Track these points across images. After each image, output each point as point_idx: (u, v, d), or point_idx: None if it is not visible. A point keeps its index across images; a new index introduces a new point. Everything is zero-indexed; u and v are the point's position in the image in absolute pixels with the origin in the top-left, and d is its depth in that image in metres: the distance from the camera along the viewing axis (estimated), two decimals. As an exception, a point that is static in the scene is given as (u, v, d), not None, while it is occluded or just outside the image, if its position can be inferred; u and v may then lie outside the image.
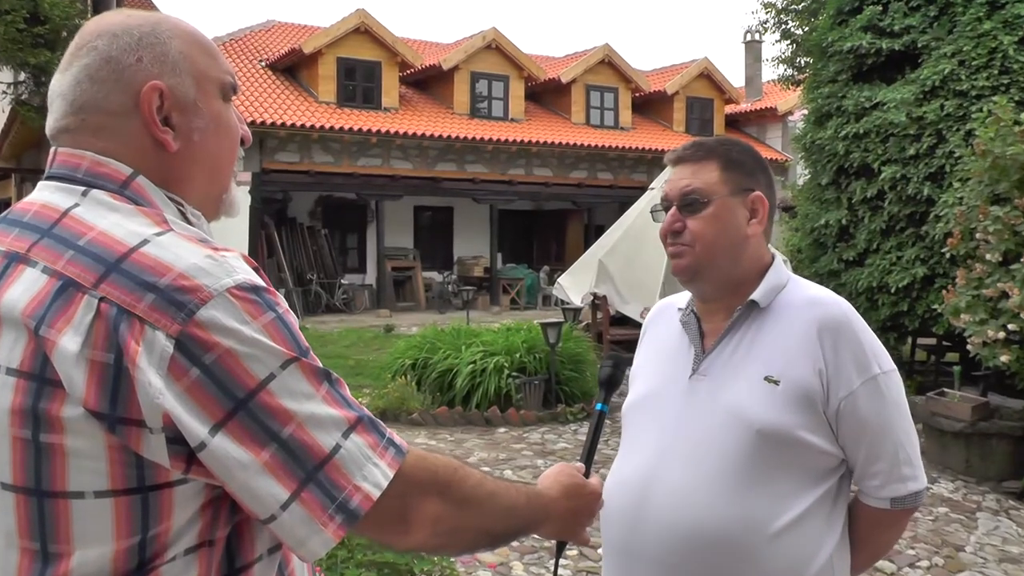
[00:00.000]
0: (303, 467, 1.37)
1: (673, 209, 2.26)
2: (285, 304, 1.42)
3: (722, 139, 2.34)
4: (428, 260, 29.55)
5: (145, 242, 1.38)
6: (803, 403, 2.14)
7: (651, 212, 2.38)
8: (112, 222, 1.41)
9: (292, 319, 1.42)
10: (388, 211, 27.05)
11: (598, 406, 2.12)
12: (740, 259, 2.26)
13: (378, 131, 25.10)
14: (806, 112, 13.50)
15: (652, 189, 15.00)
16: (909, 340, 12.78)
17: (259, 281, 1.41)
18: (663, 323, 2.49)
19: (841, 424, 2.16)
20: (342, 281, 26.43)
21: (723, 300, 2.29)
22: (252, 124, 22.88)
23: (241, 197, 24.67)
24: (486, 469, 9.00)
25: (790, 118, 32.48)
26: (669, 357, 2.37)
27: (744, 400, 2.16)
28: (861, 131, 11.83)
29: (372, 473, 1.42)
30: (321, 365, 1.42)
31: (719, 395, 2.21)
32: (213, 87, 1.57)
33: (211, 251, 1.39)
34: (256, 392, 1.35)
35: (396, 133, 25.34)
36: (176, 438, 1.33)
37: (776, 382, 2.15)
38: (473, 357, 11.51)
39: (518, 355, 11.56)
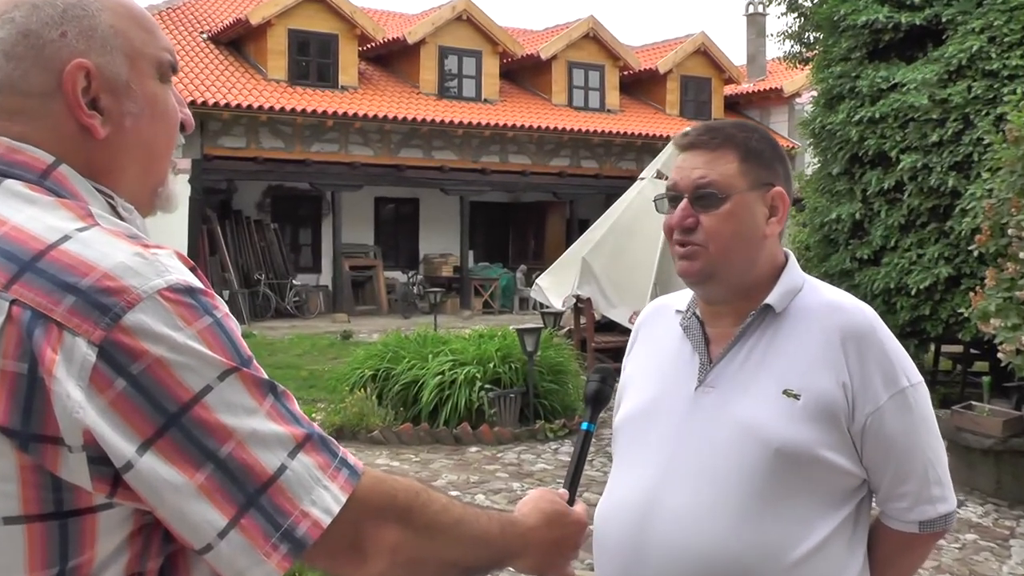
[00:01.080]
0: (243, 490, 1.35)
1: (685, 202, 2.25)
2: (225, 308, 1.41)
3: (739, 124, 2.34)
4: (391, 258, 29.51)
5: (66, 238, 1.36)
6: (826, 419, 2.15)
7: (655, 201, 2.38)
8: (28, 216, 1.39)
9: (232, 324, 1.41)
10: (346, 203, 27.01)
11: (584, 425, 2.11)
12: (756, 261, 2.26)
13: (334, 113, 25.06)
14: (815, 94, 13.55)
15: (642, 179, 15.04)
16: (932, 348, 12.84)
17: (195, 282, 1.39)
18: (659, 326, 2.48)
19: (866, 442, 2.17)
20: (294, 282, 26.38)
21: (732, 303, 2.30)
22: (192, 105, 22.77)
23: (180, 189, 24.83)
24: (455, 493, 8.98)
25: (797, 100, 32.65)
26: (668, 366, 2.37)
27: (760, 415, 2.16)
28: (877, 115, 11.87)
29: (322, 497, 1.41)
30: (265, 376, 1.41)
31: (730, 409, 2.21)
32: (148, 66, 1.55)
33: (141, 248, 1.37)
34: (190, 406, 1.33)
35: (355, 115, 25.29)
36: (99, 457, 1.31)
37: (796, 396, 2.16)
38: (441, 367, 11.48)
39: (491, 365, 11.54)
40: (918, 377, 2.23)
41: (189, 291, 1.37)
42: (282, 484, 1.38)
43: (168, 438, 1.32)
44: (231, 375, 1.37)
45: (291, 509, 1.38)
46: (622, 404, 2.47)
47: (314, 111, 24.82)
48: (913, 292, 11.34)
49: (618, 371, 2.48)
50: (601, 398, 2.18)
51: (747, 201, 2.23)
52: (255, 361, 1.41)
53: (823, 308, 2.23)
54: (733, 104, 34.70)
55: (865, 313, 2.22)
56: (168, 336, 1.32)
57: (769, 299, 2.25)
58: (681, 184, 2.26)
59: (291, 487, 1.39)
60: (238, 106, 23.79)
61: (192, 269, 1.42)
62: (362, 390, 11.52)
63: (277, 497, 1.37)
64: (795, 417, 2.14)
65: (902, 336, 11.55)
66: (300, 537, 1.38)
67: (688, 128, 2.36)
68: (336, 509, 1.41)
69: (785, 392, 2.16)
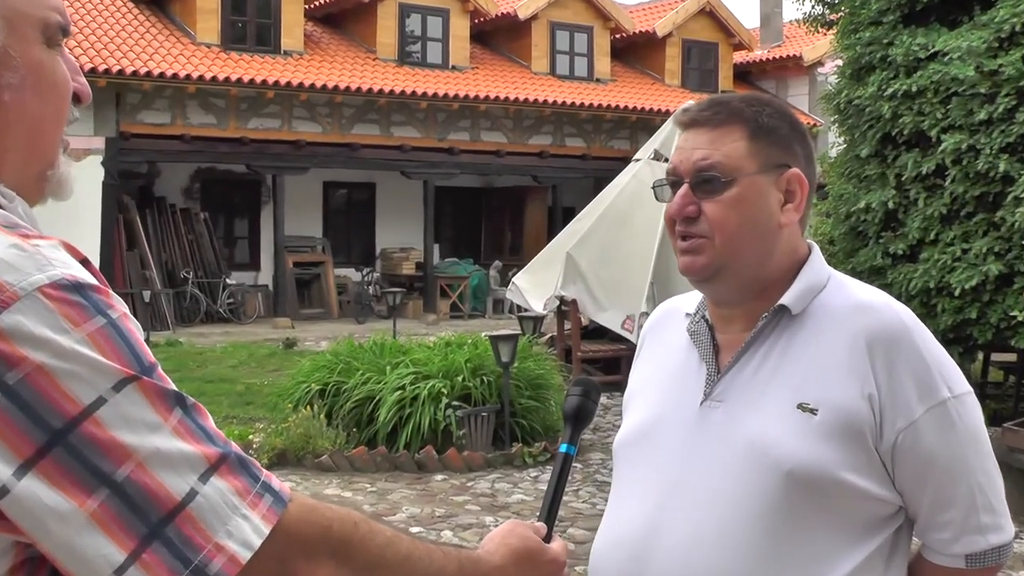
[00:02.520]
0: (145, 519, 1.35)
1: (685, 188, 2.26)
2: (123, 307, 1.41)
3: (749, 97, 2.35)
4: (342, 253, 29.51)
5: None
6: (848, 436, 2.15)
7: (653, 188, 2.40)
8: None
9: (132, 326, 1.41)
10: (289, 189, 26.95)
11: (563, 447, 2.12)
12: (770, 255, 2.28)
13: (276, 83, 25.01)
14: (840, 63, 13.56)
15: (637, 161, 15.05)
16: (979, 357, 12.88)
17: (86, 277, 1.39)
18: (666, 333, 2.51)
19: (899, 463, 2.17)
20: (228, 281, 26.34)
21: (744, 305, 2.31)
22: (107, 73, 22.72)
23: (91, 173, 24.32)
24: (417, 529, 8.99)
25: (819, 70, 32.75)
26: (673, 377, 2.39)
27: (772, 433, 2.17)
28: (914, 88, 11.89)
29: (240, 528, 1.40)
30: (172, 386, 1.41)
31: (739, 427, 2.22)
32: (31, 29, 1.54)
33: (19, 239, 1.37)
34: (79, 421, 1.32)
35: (300, 85, 25.25)
36: (-32, 482, 1.31)
37: (813, 410, 2.16)
38: (401, 381, 11.50)
39: (460, 378, 11.57)
40: (964, 387, 2.22)
41: (77, 288, 1.37)
42: (192, 512, 1.37)
43: (52, 459, 1.31)
44: (129, 385, 1.36)
45: (203, 542, 1.37)
46: (624, 423, 2.50)
47: (251, 80, 24.76)
48: (957, 293, 11.35)
49: (606, 385, 2.47)
50: (582, 415, 2.19)
51: (757, 185, 2.25)
52: (160, 369, 1.42)
53: (848, 308, 2.24)
54: (744, 74, 34.81)
55: (897, 312, 2.23)
56: (51, 340, 1.32)
57: (784, 299, 2.26)
58: (681, 167, 2.28)
59: (203, 516, 1.38)
60: (161, 75, 23.70)
61: (83, 262, 1.42)
62: (308, 408, 11.55)
63: (186, 527, 1.37)
64: (810, 434, 2.15)
65: (944, 343, 11.41)
66: (214, 575, 1.37)
67: (690, 102, 2.38)
68: (257, 542, 1.41)
69: (800, 406, 2.17)
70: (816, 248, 2.38)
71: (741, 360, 2.27)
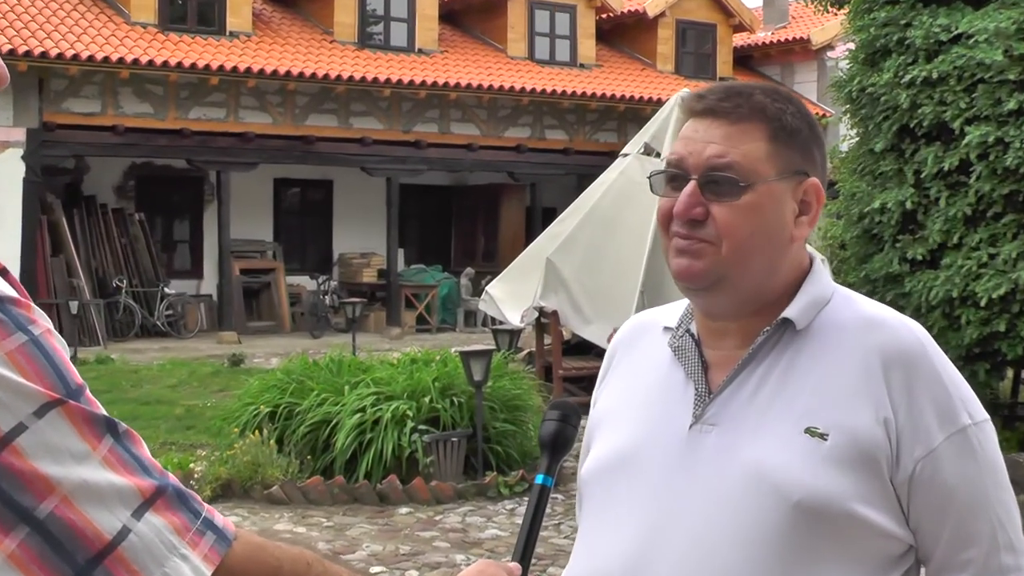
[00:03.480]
0: (70, 561, 1.34)
1: (692, 186, 2.24)
2: (46, 322, 1.41)
3: (771, 90, 2.33)
4: (295, 259, 29.51)
5: None
6: (862, 465, 2.15)
7: (650, 179, 2.36)
8: None
9: (56, 343, 1.41)
10: (236, 187, 26.91)
11: (539, 478, 2.12)
12: (776, 271, 2.28)
13: (220, 67, 24.99)
14: (852, 46, 13.60)
15: (626, 156, 15.05)
16: (1009, 374, 12.91)
17: (3, 288, 1.39)
18: (642, 349, 2.48)
19: (916, 495, 2.18)
20: (167, 290, 26.30)
21: (740, 320, 2.30)
22: (28, 56, 22.65)
23: (8, 167, 24.23)
24: (379, 569, 8.98)
25: (829, 54, 32.81)
26: (653, 398, 2.36)
27: (776, 459, 2.16)
28: (935, 75, 11.93)
29: (178, 570, 1.40)
30: (102, 411, 1.41)
31: (738, 453, 2.20)
32: None
33: None
34: None
35: (248, 71, 25.24)
36: None
37: (823, 436, 2.16)
38: (361, 402, 11.48)
39: (427, 400, 11.56)
40: (983, 414, 2.23)
41: None
42: (124, 553, 1.37)
43: None
44: (53, 410, 1.36)
45: None
46: (591, 449, 2.46)
47: (193, 65, 24.73)
48: (983, 303, 11.38)
49: (585, 406, 2.47)
50: (561, 442, 2.19)
51: (775, 193, 2.24)
52: (88, 391, 1.42)
53: (859, 324, 2.25)
54: (745, 58, 34.91)
55: (912, 330, 2.24)
56: None
57: (788, 312, 2.25)
58: (690, 160, 2.25)
59: (136, 556, 1.38)
60: (91, 58, 23.65)
61: (1, 272, 1.43)
62: (257, 433, 11.51)
63: (117, 570, 1.36)
64: (820, 461, 2.14)
65: (969, 359, 11.60)
66: None
67: (704, 88, 2.35)
68: None
69: (808, 431, 2.16)
70: (818, 259, 2.38)
71: (738, 379, 2.26)
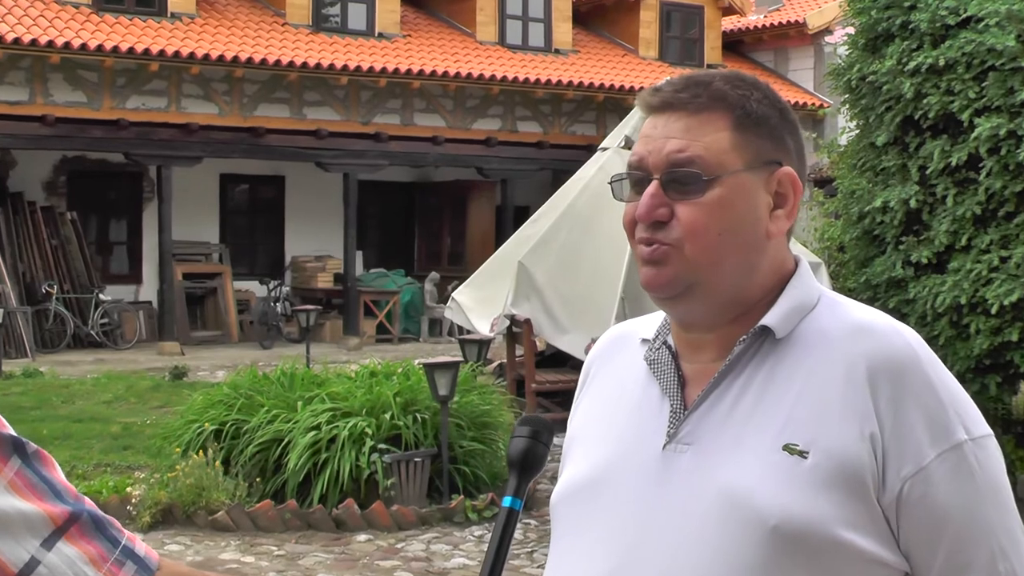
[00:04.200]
0: None
1: (654, 185, 2.23)
2: None
3: (731, 76, 2.33)
4: (243, 263, 29.48)
5: None
6: (845, 485, 2.13)
7: (611, 184, 2.36)
8: None
9: None
10: (178, 183, 26.85)
11: (506, 501, 2.12)
12: (753, 271, 2.27)
13: (161, 52, 24.91)
14: (852, 31, 13.64)
15: (605, 150, 15.07)
16: (1022, 387, 12.94)
17: None
18: (618, 363, 2.48)
19: (905, 518, 2.16)
20: (102, 296, 26.21)
21: (718, 329, 2.29)
22: (-47, 38, 22.55)
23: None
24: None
25: (826, 40, 32.88)
26: (628, 416, 2.36)
27: (753, 481, 2.15)
28: (941, 62, 11.97)
29: None
30: (10, 431, 1.40)
31: (712, 474, 2.19)
32: None
33: None
34: None
35: (192, 56, 25.16)
36: None
37: (803, 453, 2.14)
38: (316, 420, 11.47)
39: (388, 416, 11.56)
40: (983, 428, 2.22)
41: None
42: None
43: None
44: None
45: None
46: (564, 470, 2.46)
47: (131, 49, 24.64)
48: (994, 310, 11.41)
49: (560, 423, 2.46)
50: (531, 462, 2.19)
51: (743, 185, 2.23)
52: None
53: (844, 331, 2.23)
54: (735, 44, 34.97)
55: (904, 336, 2.22)
56: None
57: (767, 319, 2.24)
58: (649, 159, 2.25)
59: None
60: (17, 41, 23.56)
61: None
62: (201, 453, 11.48)
63: None
64: (800, 482, 2.13)
65: (979, 371, 11.63)
66: None
67: (661, 81, 2.35)
68: None
69: (787, 448, 2.15)
70: (804, 261, 2.36)
71: (714, 394, 2.25)
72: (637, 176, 2.26)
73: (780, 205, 2.27)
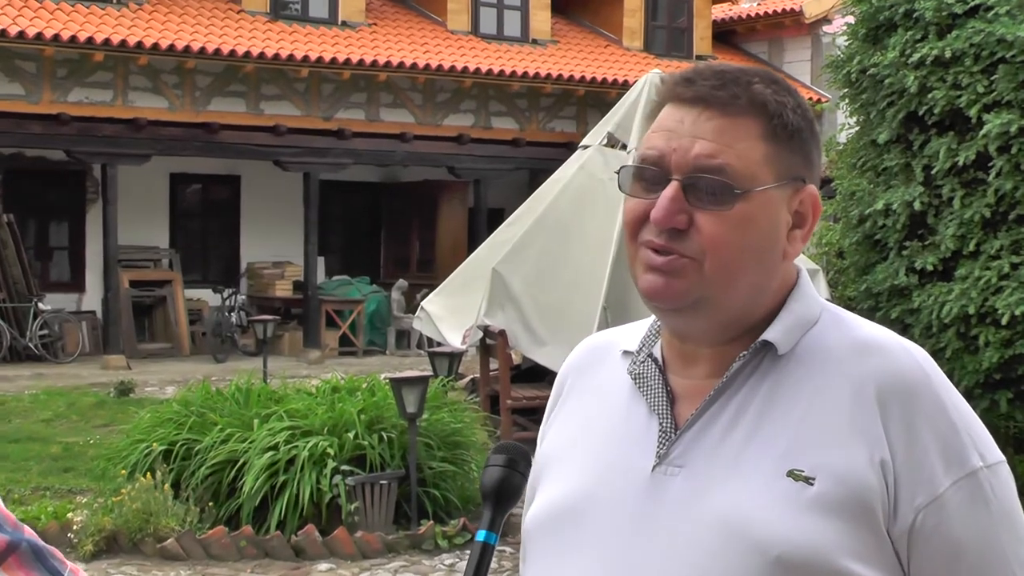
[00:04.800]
0: None
1: (675, 188, 2.19)
2: None
3: (769, 78, 2.30)
4: (195, 269, 29.42)
5: None
6: (853, 514, 2.12)
7: (618, 174, 2.32)
8: None
9: None
10: (125, 183, 26.80)
11: (480, 535, 2.11)
12: (763, 292, 2.26)
13: (107, 41, 24.84)
14: (852, 20, 13.67)
15: (586, 148, 15.09)
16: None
17: None
18: (597, 376, 2.47)
19: (918, 549, 2.15)
20: (41, 306, 26.10)
21: (715, 345, 2.28)
22: None
23: None
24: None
25: (824, 30, 33.00)
26: (611, 435, 2.34)
27: (753, 506, 2.14)
28: (947, 53, 12.00)
29: None
30: None
31: (708, 499, 2.18)
32: None
33: None
34: None
35: (140, 45, 25.10)
36: None
37: (808, 479, 2.13)
38: (274, 439, 11.45)
39: (352, 435, 11.53)
40: (997, 455, 2.22)
41: None
42: None
43: None
44: None
45: None
46: (537, 495, 2.44)
47: (73, 38, 24.55)
48: (1005, 321, 11.44)
49: (535, 443, 2.45)
50: (507, 493, 2.18)
51: (770, 202, 2.22)
52: None
53: (850, 348, 2.23)
54: (726, 34, 35.02)
55: (914, 356, 2.21)
56: None
57: (768, 334, 2.23)
58: (672, 158, 2.21)
59: None
60: (-46, 29, 23.50)
61: None
62: (149, 475, 11.44)
63: None
64: (805, 509, 2.12)
65: (989, 386, 11.65)
66: None
67: (690, 70, 2.29)
68: None
69: (791, 473, 2.14)
70: (804, 272, 2.35)
71: (709, 412, 2.23)
72: (653, 173, 2.22)
73: (799, 225, 2.26)
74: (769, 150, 2.20)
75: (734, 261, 2.17)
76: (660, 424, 2.26)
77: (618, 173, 2.31)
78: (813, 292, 2.32)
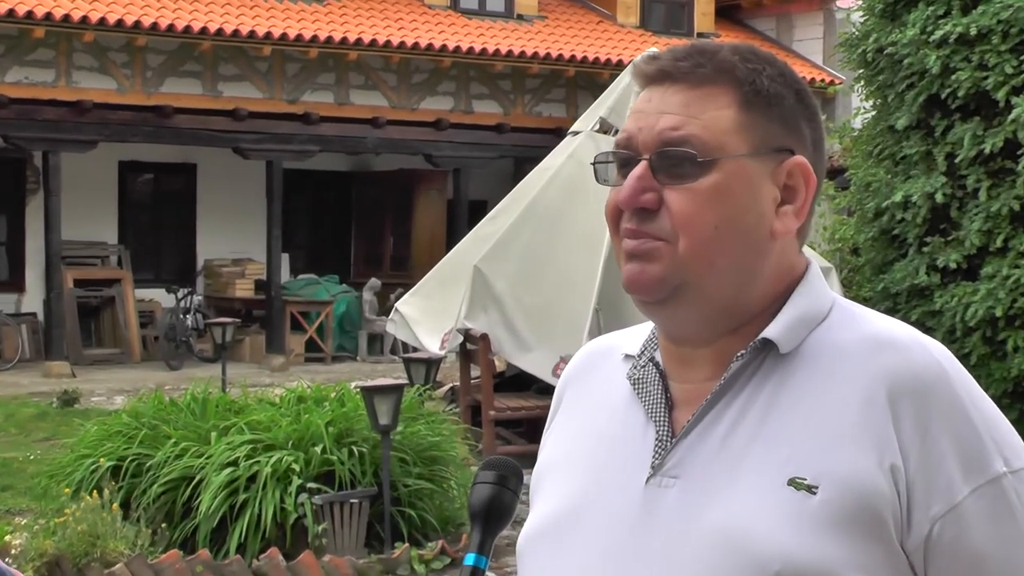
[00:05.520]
0: None
1: (643, 167, 2.23)
2: None
3: (743, 48, 2.32)
4: (147, 267, 29.41)
5: None
6: (862, 525, 2.13)
7: (594, 165, 2.36)
8: None
9: None
10: (69, 172, 26.74)
11: (469, 559, 2.12)
12: (755, 275, 2.26)
13: (48, 16, 24.80)
14: (867, -6, 13.70)
15: (576, 134, 15.11)
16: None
17: None
18: (597, 382, 2.48)
19: (934, 564, 2.16)
20: (-23, 307, 26.11)
21: (713, 343, 2.29)
22: None
23: None
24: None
25: (837, 4, 33.04)
26: (607, 444, 2.36)
27: (753, 519, 2.15)
28: (972, 31, 12.02)
29: None
30: None
31: (704, 512, 2.19)
32: None
33: None
34: None
35: (85, 21, 25.06)
36: None
37: (811, 488, 2.14)
38: (233, 454, 11.44)
39: (319, 450, 11.52)
40: None
41: None
42: None
43: None
44: None
45: None
46: (533, 508, 2.45)
47: (11, 12, 24.48)
48: (1034, 324, 11.48)
49: (528, 457, 2.46)
50: (497, 512, 2.19)
51: (746, 173, 2.23)
52: None
53: (860, 345, 2.23)
54: (731, 9, 35.06)
55: (930, 351, 2.22)
56: None
57: (769, 331, 2.24)
58: (639, 137, 2.25)
59: None
60: None
61: None
62: (95, 494, 11.42)
63: None
64: (808, 521, 2.12)
65: (1018, 395, 11.68)
66: None
67: (656, 48, 2.33)
68: None
69: (793, 482, 2.14)
70: (815, 265, 2.36)
71: (707, 418, 2.24)
72: (624, 156, 2.26)
73: (789, 200, 2.26)
74: (742, 118, 2.23)
75: (709, 239, 2.19)
76: (657, 432, 2.28)
77: (594, 165, 2.35)
78: (823, 286, 2.32)
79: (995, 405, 2.23)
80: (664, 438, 2.26)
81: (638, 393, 2.34)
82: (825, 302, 2.29)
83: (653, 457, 2.25)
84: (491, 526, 2.16)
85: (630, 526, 2.23)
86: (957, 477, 2.13)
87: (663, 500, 2.22)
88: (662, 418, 2.28)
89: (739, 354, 2.23)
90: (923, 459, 2.12)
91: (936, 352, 2.20)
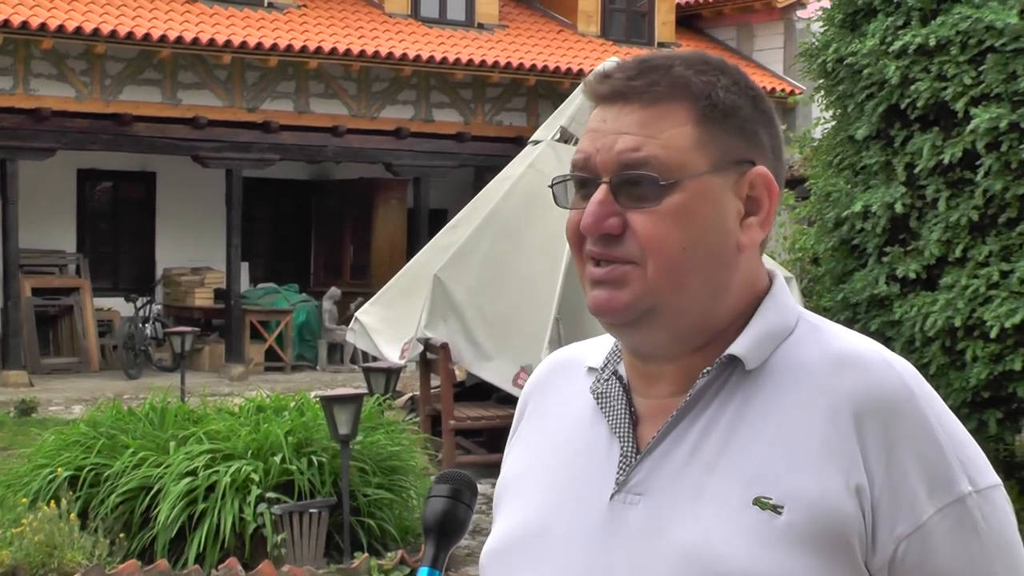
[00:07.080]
0: None
1: (603, 191, 2.22)
2: None
3: (694, 58, 2.31)
4: (105, 275, 29.33)
5: None
6: (827, 545, 2.12)
7: (552, 187, 2.34)
8: None
9: None
10: (26, 180, 26.66)
11: (422, 572, 2.12)
12: (723, 291, 2.25)
13: (6, 23, 24.71)
14: (827, 5, 13.73)
15: (537, 143, 15.10)
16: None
17: None
18: (560, 396, 2.47)
19: None
20: (-67, 316, 25.99)
21: (679, 360, 2.28)
22: None
23: None
24: None
25: (797, 14, 33.11)
26: (570, 460, 2.35)
27: (717, 539, 2.14)
28: (932, 42, 12.05)
29: None
30: None
31: (668, 531, 2.18)
32: None
33: None
34: None
35: (43, 28, 24.98)
36: None
37: (776, 507, 2.13)
38: (192, 463, 11.39)
39: (279, 459, 11.49)
40: (990, 478, 2.22)
41: None
42: None
43: None
44: None
45: None
46: (495, 524, 2.44)
47: (-29, 20, 24.47)
48: (994, 334, 11.48)
49: (489, 468, 2.45)
50: (451, 526, 2.19)
51: (709, 191, 2.21)
52: None
53: (826, 362, 2.22)
54: (691, 19, 35.08)
55: (897, 370, 2.21)
56: None
57: (735, 347, 2.23)
58: (597, 159, 2.23)
59: None
60: None
61: None
62: (53, 504, 11.38)
63: None
64: (773, 541, 2.12)
65: (976, 405, 11.69)
66: None
67: (609, 63, 2.32)
68: None
69: (759, 501, 2.14)
70: (780, 278, 2.35)
71: (672, 435, 2.23)
72: (582, 178, 2.24)
73: (753, 212, 2.25)
74: (700, 134, 2.21)
75: (678, 261, 2.18)
76: (621, 448, 2.26)
77: (552, 188, 2.32)
78: (788, 300, 2.31)
79: (961, 424, 2.22)
80: (629, 454, 2.25)
81: (602, 408, 2.32)
82: (791, 316, 2.28)
83: (618, 473, 2.25)
84: (445, 540, 2.16)
85: (594, 543, 2.22)
86: (922, 497, 2.13)
87: (628, 517, 2.21)
88: (627, 434, 2.27)
89: (705, 370, 2.22)
90: (888, 479, 2.12)
91: (902, 371, 2.20)
